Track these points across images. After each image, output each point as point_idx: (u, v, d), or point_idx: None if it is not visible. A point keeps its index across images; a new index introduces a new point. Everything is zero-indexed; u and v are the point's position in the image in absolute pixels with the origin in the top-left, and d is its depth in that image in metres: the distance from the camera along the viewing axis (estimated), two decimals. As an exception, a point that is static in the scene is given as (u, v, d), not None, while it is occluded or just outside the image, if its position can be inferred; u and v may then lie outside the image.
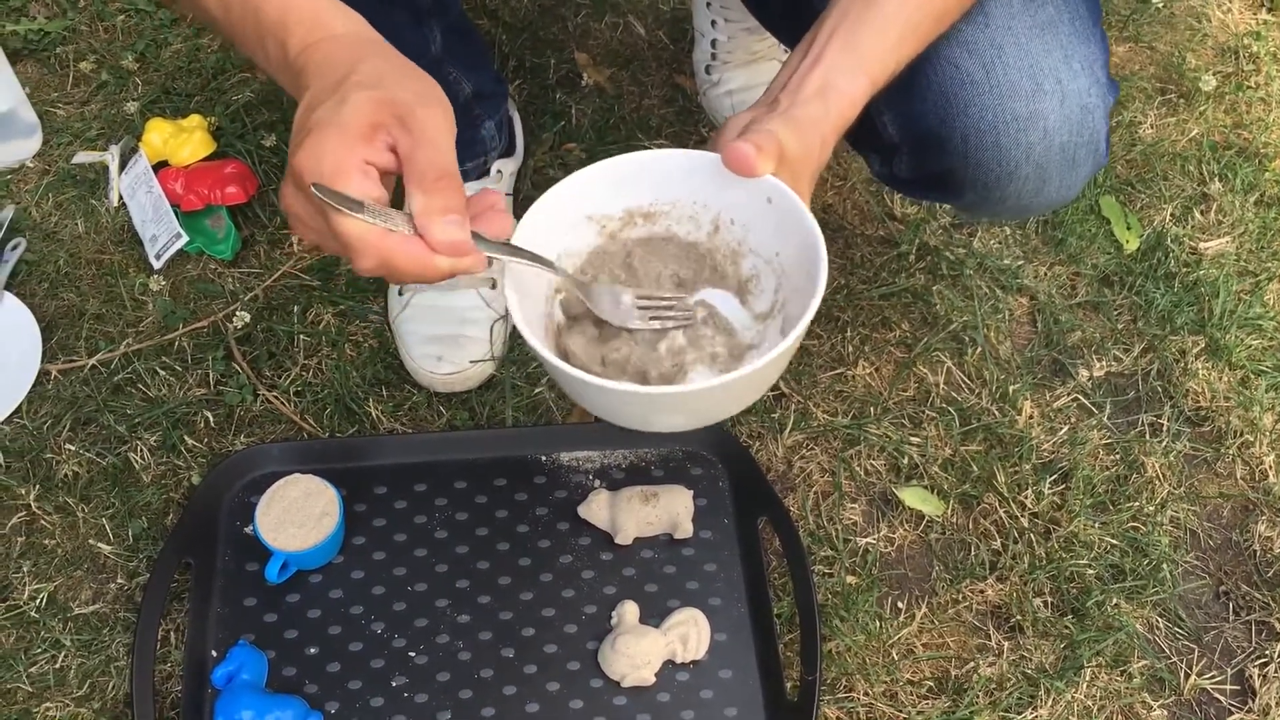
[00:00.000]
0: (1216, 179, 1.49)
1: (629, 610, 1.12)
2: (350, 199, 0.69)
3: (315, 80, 0.73)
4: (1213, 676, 1.16)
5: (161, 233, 1.37)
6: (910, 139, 1.00)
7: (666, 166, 0.84)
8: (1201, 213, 1.47)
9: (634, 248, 0.88)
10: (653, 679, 1.09)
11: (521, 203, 1.44)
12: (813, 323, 0.78)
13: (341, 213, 0.69)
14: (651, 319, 0.85)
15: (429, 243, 0.71)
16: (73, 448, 1.25)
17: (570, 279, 0.83)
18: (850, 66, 0.84)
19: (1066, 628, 1.17)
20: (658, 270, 0.88)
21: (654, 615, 1.13)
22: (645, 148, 1.47)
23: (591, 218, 0.86)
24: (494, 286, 1.31)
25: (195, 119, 1.45)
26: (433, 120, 0.71)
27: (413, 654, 1.11)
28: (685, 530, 1.17)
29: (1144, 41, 1.63)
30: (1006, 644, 1.16)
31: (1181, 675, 1.16)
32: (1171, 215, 1.46)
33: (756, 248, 0.85)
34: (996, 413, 1.30)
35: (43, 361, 1.30)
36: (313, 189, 0.69)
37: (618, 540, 1.17)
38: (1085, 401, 1.32)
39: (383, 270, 0.71)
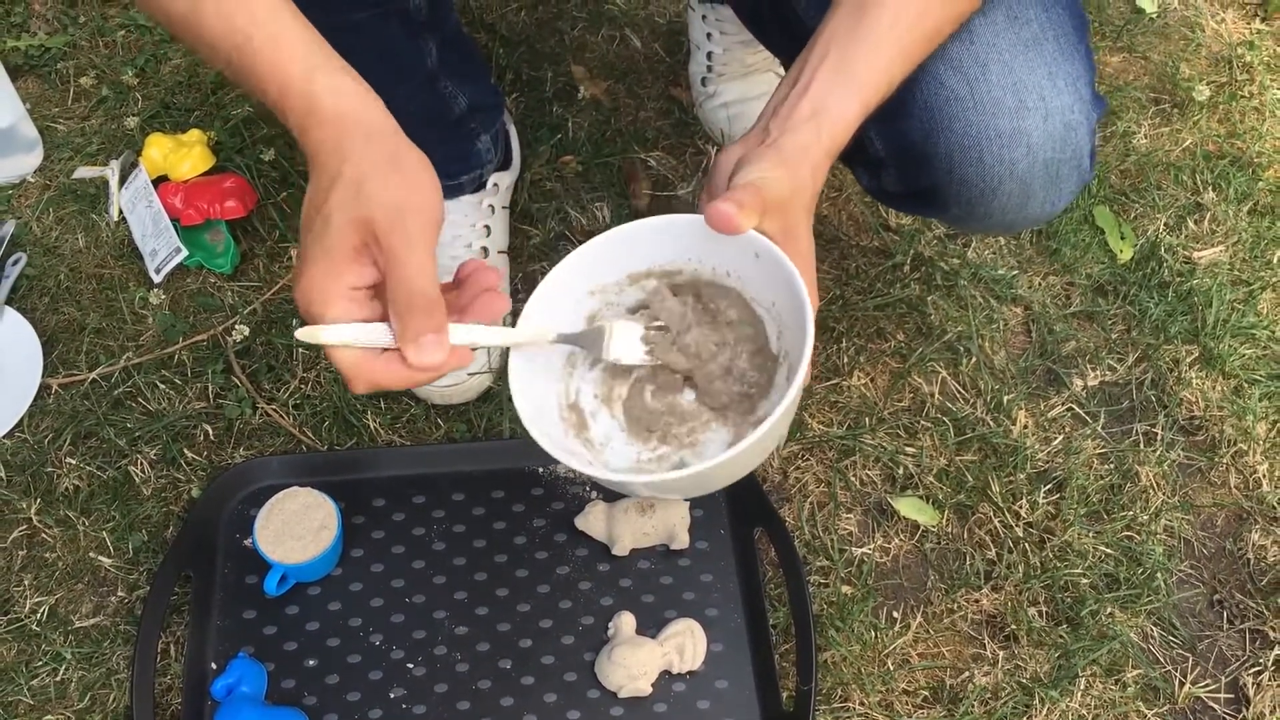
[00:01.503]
0: (1210, 188, 1.50)
1: (626, 621, 1.13)
2: (335, 331, 0.75)
3: (312, 171, 0.78)
4: (1207, 685, 1.16)
5: (161, 247, 1.38)
6: (896, 154, 1.01)
7: (659, 233, 0.85)
8: (1195, 222, 1.47)
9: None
10: (649, 690, 1.10)
11: (518, 216, 1.45)
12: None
13: (331, 347, 0.75)
14: (648, 351, 0.87)
15: (407, 364, 0.75)
16: (73, 461, 1.26)
17: (564, 336, 0.84)
18: (842, 90, 0.85)
19: (1061, 637, 1.17)
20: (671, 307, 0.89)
21: (651, 626, 1.13)
22: (642, 160, 1.50)
23: (594, 292, 0.88)
24: None
25: (195, 134, 1.46)
26: (406, 237, 0.74)
27: (411, 665, 1.12)
28: (682, 541, 1.18)
29: (1138, 51, 1.64)
30: (1001, 653, 1.17)
31: (1176, 684, 1.16)
32: (1165, 225, 1.47)
33: (756, 297, 0.86)
34: (991, 422, 1.30)
35: (44, 375, 1.31)
36: (298, 337, 0.75)
37: (614, 551, 1.17)
38: (1079, 411, 1.32)
39: (374, 388, 0.77)
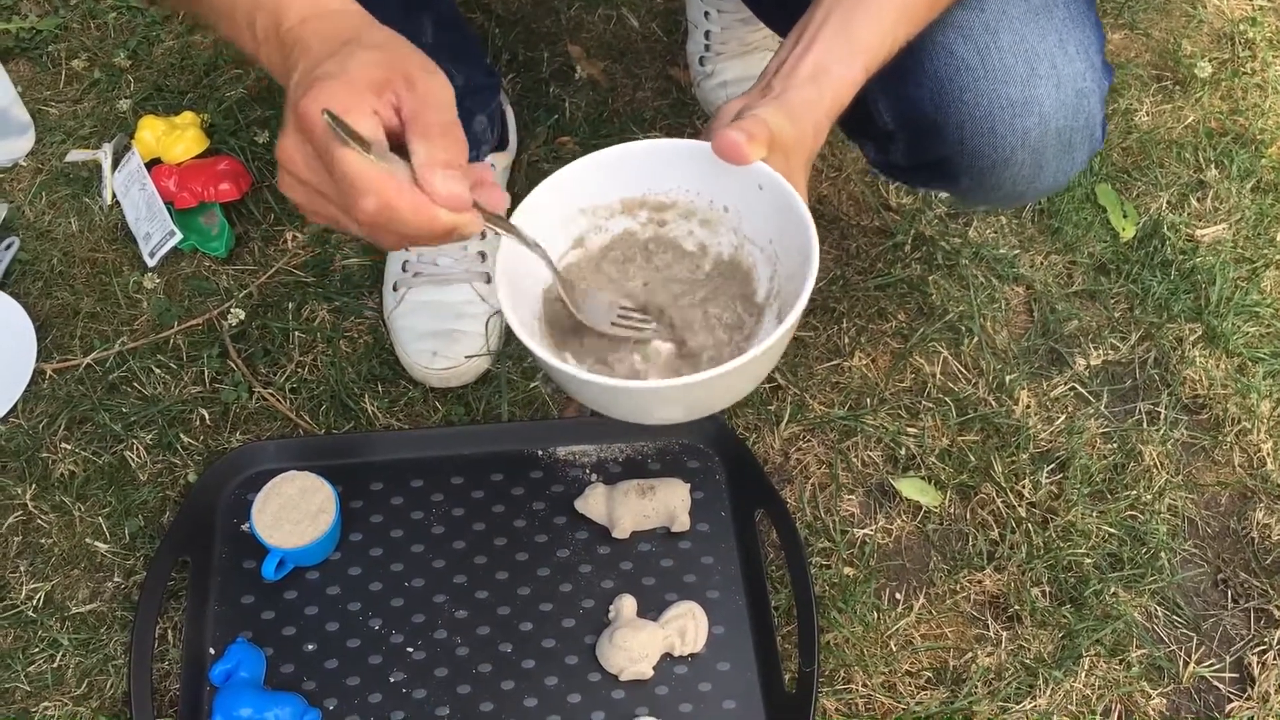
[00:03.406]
0: (1213, 166, 1.49)
1: (627, 604, 1.12)
2: (358, 134, 0.68)
3: (314, 45, 0.73)
4: (1211, 664, 1.16)
5: (155, 230, 1.37)
6: (905, 126, 1.00)
7: (658, 156, 0.84)
8: (1198, 200, 1.46)
9: (627, 254, 0.88)
10: (651, 672, 1.09)
11: (515, 195, 1.43)
12: (808, 314, 0.78)
13: (348, 146, 0.67)
14: (626, 326, 0.85)
15: (430, 194, 0.69)
16: (69, 446, 1.25)
17: (558, 274, 0.83)
18: (844, 50, 0.84)
19: (1065, 617, 1.16)
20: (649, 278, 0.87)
21: (652, 609, 1.13)
22: (639, 140, 1.48)
23: (585, 210, 0.86)
24: (488, 281, 1.31)
25: (188, 116, 1.44)
26: (437, 84, 0.71)
27: (410, 650, 1.11)
28: (682, 523, 1.17)
29: (1139, 28, 1.63)
30: (1005, 634, 1.16)
31: (1180, 663, 1.15)
32: (1168, 203, 1.46)
33: (751, 235, 0.84)
34: (993, 402, 1.29)
35: (38, 361, 1.30)
36: (324, 116, 0.67)
37: (615, 534, 1.17)
38: (1082, 390, 1.31)
39: (383, 215, 0.69)
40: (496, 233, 0.78)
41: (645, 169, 0.85)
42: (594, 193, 0.85)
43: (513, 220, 0.80)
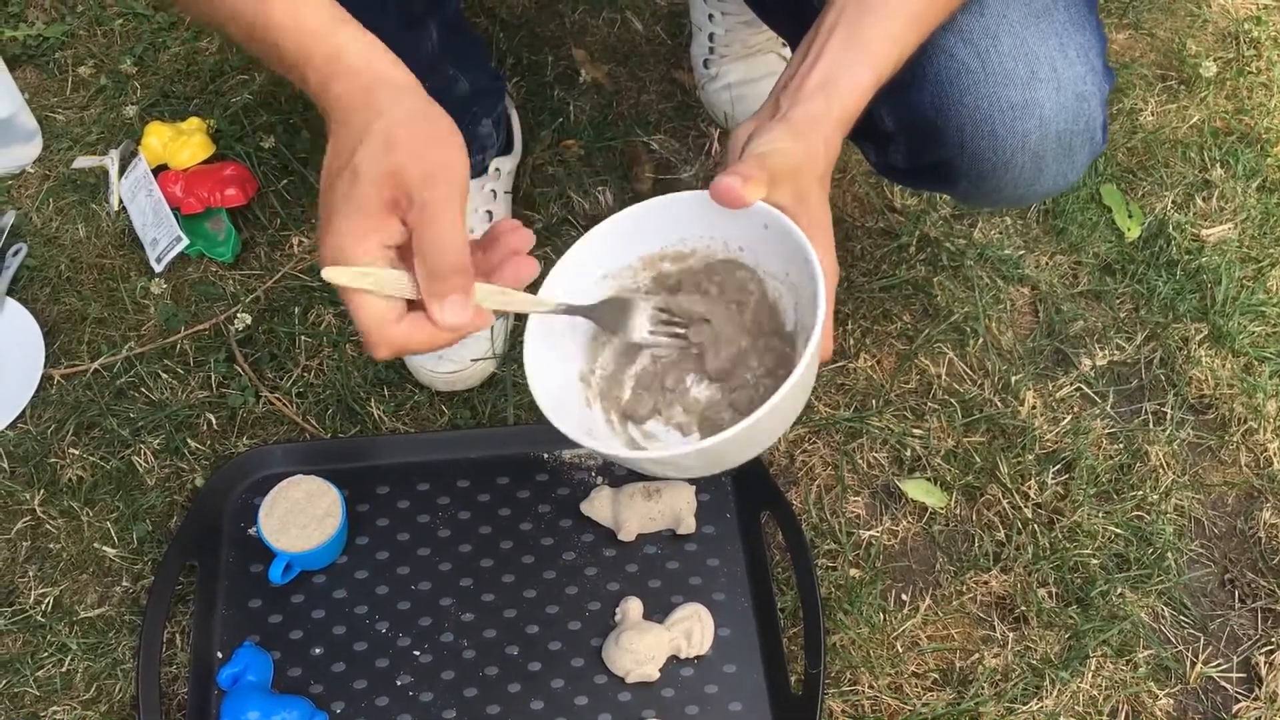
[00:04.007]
0: (1218, 165, 1.49)
1: (632, 606, 1.12)
2: (362, 272, 0.72)
3: (335, 128, 0.76)
4: (1219, 664, 1.16)
5: (162, 236, 1.37)
6: (906, 128, 1.00)
7: (668, 210, 0.85)
8: (1203, 199, 1.46)
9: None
10: (657, 674, 1.09)
11: (520, 200, 1.44)
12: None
13: (357, 292, 0.72)
14: (662, 334, 0.86)
15: (435, 324, 0.73)
16: (76, 452, 1.25)
17: (578, 309, 0.83)
18: (853, 60, 0.84)
19: (1071, 618, 1.16)
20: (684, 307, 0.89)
21: (658, 611, 1.13)
22: (645, 143, 1.49)
23: (608, 275, 0.87)
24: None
25: (194, 122, 1.45)
26: (439, 193, 0.72)
27: (417, 653, 1.11)
28: (688, 526, 1.17)
29: (1144, 28, 1.62)
30: (1011, 635, 1.16)
31: (1187, 664, 1.15)
32: (1173, 202, 1.46)
33: (771, 271, 0.85)
34: (999, 403, 1.29)
35: (45, 366, 1.30)
36: (324, 275, 0.72)
37: (620, 536, 1.17)
38: (1088, 391, 1.31)
39: (398, 353, 0.75)
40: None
41: (658, 224, 0.85)
42: (614, 256, 0.86)
43: (538, 297, 0.81)
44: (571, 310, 0.83)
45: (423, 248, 0.72)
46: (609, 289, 0.87)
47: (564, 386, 0.85)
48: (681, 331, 0.86)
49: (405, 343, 0.74)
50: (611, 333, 0.86)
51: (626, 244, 0.86)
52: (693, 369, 0.88)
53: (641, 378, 0.88)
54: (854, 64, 0.84)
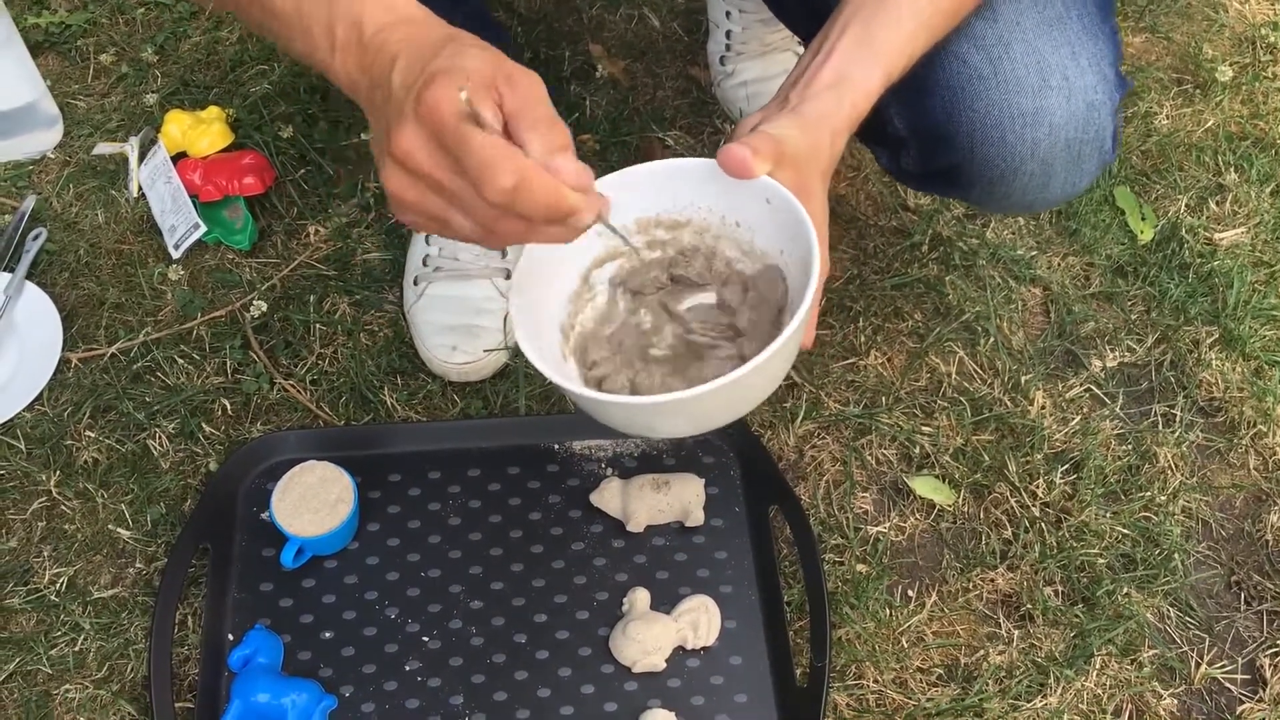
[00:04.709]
0: (1232, 169, 1.49)
1: (640, 597, 1.13)
2: (487, 120, 0.68)
3: (407, 50, 0.72)
4: (1223, 666, 1.16)
5: (180, 223, 1.38)
6: (917, 134, 1.00)
7: (670, 174, 0.85)
8: (1217, 203, 1.46)
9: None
10: (663, 665, 1.10)
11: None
12: (825, 313, 0.78)
13: (485, 128, 0.67)
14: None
15: (559, 175, 0.69)
16: (93, 434, 1.27)
17: (620, 234, 0.82)
18: (864, 59, 0.84)
19: (1077, 616, 1.17)
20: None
21: (665, 602, 1.13)
22: (660, 139, 1.49)
23: (600, 232, 0.86)
24: (508, 277, 1.32)
25: (214, 111, 1.46)
26: (536, 81, 0.71)
27: (426, 639, 1.12)
28: (696, 518, 1.18)
29: (1160, 32, 1.63)
30: (1017, 632, 1.16)
31: (1192, 664, 1.16)
32: (1187, 206, 1.46)
33: (766, 247, 0.85)
34: (1008, 403, 1.30)
35: (63, 350, 1.32)
36: (461, 97, 0.67)
37: (629, 528, 1.18)
38: (1098, 392, 1.31)
39: (518, 193, 0.68)
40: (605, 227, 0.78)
41: (658, 188, 0.85)
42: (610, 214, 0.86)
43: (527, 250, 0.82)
44: (610, 226, 0.80)
45: (532, 114, 0.69)
46: (600, 248, 0.87)
47: (545, 330, 0.85)
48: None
49: (531, 175, 0.67)
50: (630, 245, 0.85)
51: (622, 206, 0.84)
52: (668, 339, 0.88)
53: (614, 339, 0.88)
54: (865, 63, 0.84)
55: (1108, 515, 1.23)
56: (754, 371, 0.74)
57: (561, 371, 0.82)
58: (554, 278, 0.86)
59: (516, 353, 1.31)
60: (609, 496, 1.19)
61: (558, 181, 0.69)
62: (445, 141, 0.68)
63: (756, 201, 0.81)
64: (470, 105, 0.67)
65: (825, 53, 0.85)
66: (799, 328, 0.75)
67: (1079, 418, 1.29)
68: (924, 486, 1.24)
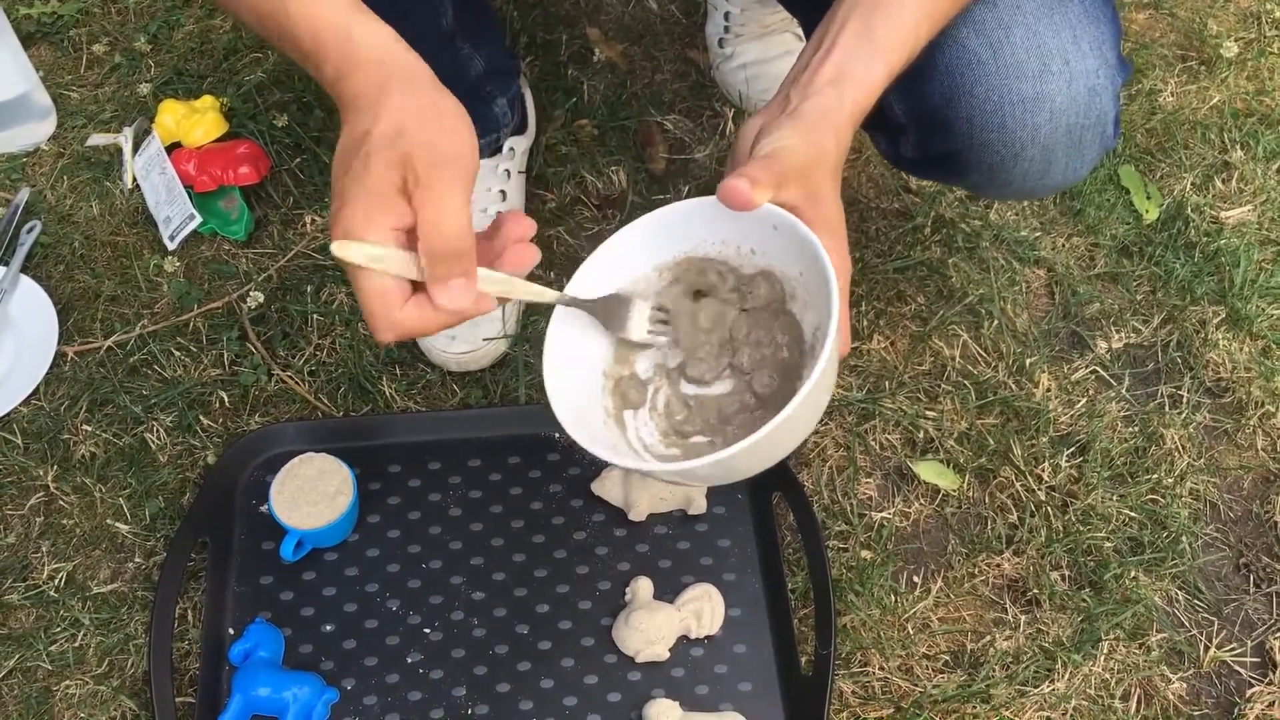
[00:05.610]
0: (1238, 147, 1.47)
1: (643, 586, 1.12)
2: (369, 249, 0.73)
3: (349, 116, 0.77)
4: (1232, 649, 1.15)
5: (175, 214, 1.37)
6: (916, 119, 0.99)
7: (678, 217, 0.85)
8: (1223, 181, 1.45)
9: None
10: (667, 654, 1.09)
11: (534, 180, 1.43)
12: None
13: (364, 271, 0.73)
14: (661, 334, 0.87)
15: (436, 308, 0.74)
16: (90, 428, 1.26)
17: (579, 302, 0.84)
18: (866, 53, 0.83)
19: (1084, 601, 1.16)
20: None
21: (668, 591, 1.13)
22: (659, 123, 1.48)
23: (624, 287, 0.87)
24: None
25: (208, 100, 1.45)
26: (444, 178, 0.73)
27: (428, 631, 1.11)
28: (699, 506, 1.17)
29: (1165, 8, 1.61)
30: (1023, 617, 1.15)
31: (1201, 648, 1.15)
32: (1192, 184, 1.44)
33: (783, 272, 0.85)
34: (1013, 386, 1.29)
35: (59, 343, 1.31)
36: (332, 251, 0.73)
37: (631, 516, 1.17)
38: (1103, 373, 1.30)
39: (400, 337, 0.76)
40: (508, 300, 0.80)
41: (670, 233, 0.86)
42: (630, 266, 0.87)
43: (540, 288, 0.82)
44: (573, 303, 0.83)
45: (426, 229, 0.73)
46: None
47: (581, 387, 0.86)
48: (669, 334, 0.87)
49: (409, 326, 0.75)
50: (611, 330, 0.86)
51: (642, 254, 0.86)
52: (707, 372, 0.89)
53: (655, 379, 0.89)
54: (866, 57, 0.83)
55: (1114, 498, 1.21)
56: (804, 402, 0.74)
57: (613, 446, 0.85)
58: (589, 327, 0.87)
59: (516, 341, 1.30)
60: (610, 485, 1.18)
61: (434, 314, 0.74)
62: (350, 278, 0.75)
63: (765, 228, 0.82)
64: (342, 253, 0.73)
65: (825, 48, 0.84)
66: (832, 352, 0.75)
67: (1084, 400, 1.28)
68: (928, 471, 1.23)
